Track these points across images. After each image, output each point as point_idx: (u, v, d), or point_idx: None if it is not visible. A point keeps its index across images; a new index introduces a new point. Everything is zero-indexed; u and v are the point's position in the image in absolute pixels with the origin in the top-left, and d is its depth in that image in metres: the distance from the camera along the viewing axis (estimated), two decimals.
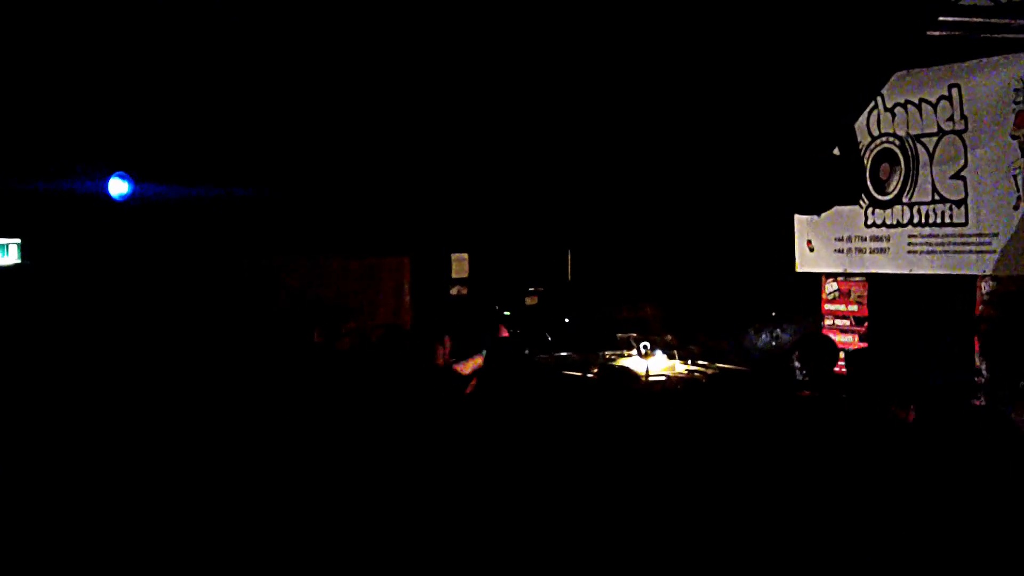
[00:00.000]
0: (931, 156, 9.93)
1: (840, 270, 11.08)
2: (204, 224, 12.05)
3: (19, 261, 11.42)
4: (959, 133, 9.64)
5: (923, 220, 10.03)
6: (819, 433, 5.91)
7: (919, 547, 4.72)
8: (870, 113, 10.37)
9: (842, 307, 11.11)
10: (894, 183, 10.32)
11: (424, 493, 6.10)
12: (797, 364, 7.62)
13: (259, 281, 12.72)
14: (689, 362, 11.09)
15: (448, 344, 8.39)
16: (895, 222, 10.32)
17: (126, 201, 11.26)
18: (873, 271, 10.68)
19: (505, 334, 10.28)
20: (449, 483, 6.10)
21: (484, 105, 11.03)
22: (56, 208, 11.18)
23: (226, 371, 8.81)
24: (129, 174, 11.24)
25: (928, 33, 8.47)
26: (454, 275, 14.37)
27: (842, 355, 8.21)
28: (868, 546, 4.89)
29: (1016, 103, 9.14)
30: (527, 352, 9.22)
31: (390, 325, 11.55)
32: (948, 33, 8.80)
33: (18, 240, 11.42)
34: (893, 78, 9.70)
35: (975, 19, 8.64)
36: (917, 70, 9.90)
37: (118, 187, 11.23)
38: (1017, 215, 9.18)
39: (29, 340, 10.62)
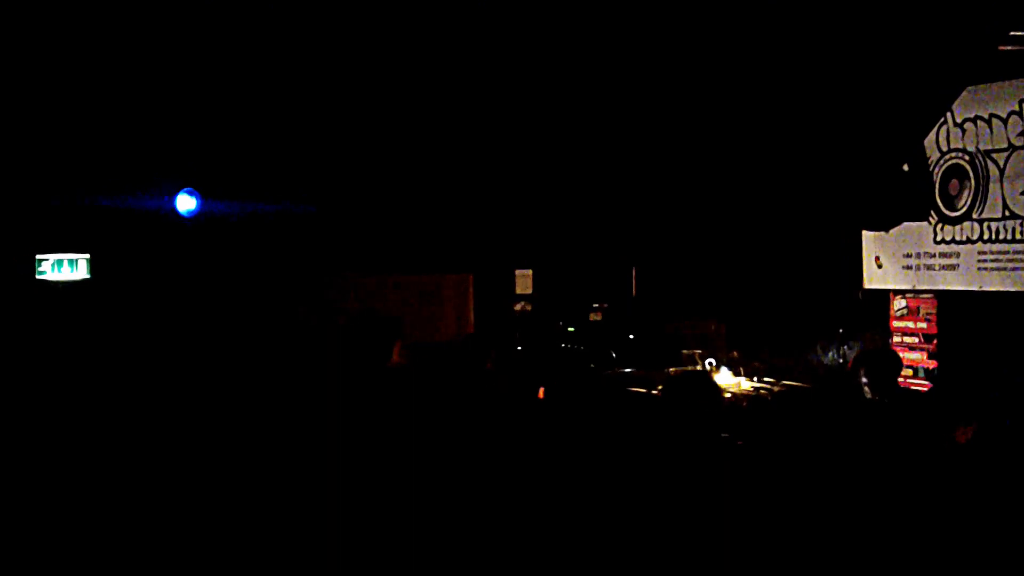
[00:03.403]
0: (1001, 172, 9.80)
1: (909, 287, 10.95)
2: (270, 240, 12.17)
3: (88, 276, 11.58)
4: None
5: (993, 236, 9.90)
6: (886, 451, 5.85)
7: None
8: (939, 128, 10.25)
9: (911, 324, 10.96)
10: (964, 199, 10.19)
11: (492, 502, 6.10)
12: (864, 379, 7.53)
13: (325, 296, 12.80)
14: (755, 379, 10.99)
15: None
16: (965, 238, 10.20)
17: (194, 217, 11.41)
18: (942, 288, 10.55)
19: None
20: (515, 494, 6.10)
21: (551, 124, 11.06)
22: (125, 224, 11.35)
23: (292, 382, 8.86)
24: (197, 191, 11.38)
25: (999, 48, 8.39)
26: (518, 291, 14.37)
27: (909, 371, 8.10)
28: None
29: None
30: (592, 368, 9.19)
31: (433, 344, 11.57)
32: (1018, 48, 8.70)
33: (87, 255, 11.59)
34: (962, 93, 9.60)
35: None
36: (987, 85, 9.77)
37: (186, 203, 11.40)
38: None
39: (98, 352, 10.77)
